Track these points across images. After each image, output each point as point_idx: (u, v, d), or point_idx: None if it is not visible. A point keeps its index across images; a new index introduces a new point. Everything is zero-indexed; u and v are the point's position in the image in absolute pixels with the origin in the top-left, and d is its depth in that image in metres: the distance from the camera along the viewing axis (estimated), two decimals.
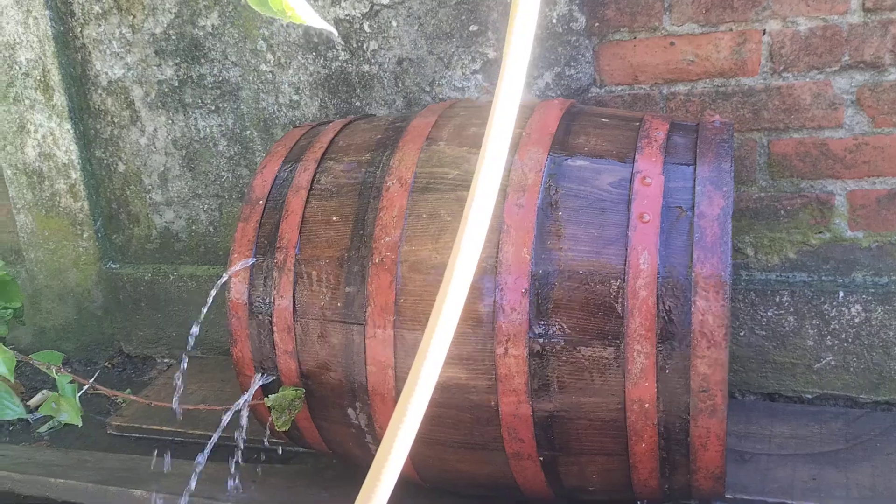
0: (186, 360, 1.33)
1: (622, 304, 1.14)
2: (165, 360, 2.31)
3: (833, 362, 1.72)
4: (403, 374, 1.23)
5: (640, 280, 1.13)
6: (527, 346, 1.16)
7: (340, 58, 1.92)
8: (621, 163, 1.23)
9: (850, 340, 1.69)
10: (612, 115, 1.36)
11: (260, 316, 1.32)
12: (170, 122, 2.12)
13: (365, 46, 1.89)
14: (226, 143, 2.09)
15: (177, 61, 2.05)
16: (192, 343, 1.33)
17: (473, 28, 1.78)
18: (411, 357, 1.22)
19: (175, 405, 1.34)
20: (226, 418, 1.31)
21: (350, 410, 1.30)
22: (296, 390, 1.29)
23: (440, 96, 1.87)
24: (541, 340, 1.16)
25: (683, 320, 1.12)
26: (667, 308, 1.12)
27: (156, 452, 1.70)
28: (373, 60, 1.89)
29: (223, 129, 2.08)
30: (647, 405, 1.14)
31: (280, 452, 1.61)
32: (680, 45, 1.68)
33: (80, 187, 2.22)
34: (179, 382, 1.33)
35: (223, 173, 2.11)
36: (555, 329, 1.16)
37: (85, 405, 2.12)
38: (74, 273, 2.31)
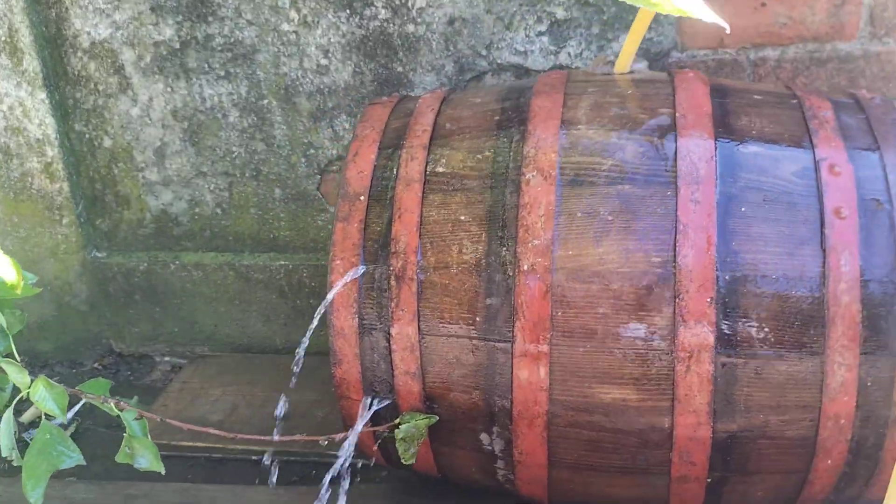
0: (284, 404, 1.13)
1: (822, 311, 1.01)
2: (166, 359, 2.06)
3: None
4: (559, 396, 1.07)
5: (841, 284, 1.00)
6: (713, 363, 1.02)
7: (380, 16, 1.68)
8: (798, 148, 1.09)
9: None
10: (760, 90, 1.22)
11: (374, 333, 1.13)
12: (168, 89, 1.83)
13: (410, 3, 1.66)
14: (238, 114, 1.83)
15: (178, 19, 1.77)
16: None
17: None
18: (570, 379, 1.06)
19: (275, 436, 1.14)
20: (344, 456, 1.12)
21: (484, 435, 1.14)
22: (428, 417, 1.12)
23: (498, 61, 1.67)
24: (728, 355, 1.02)
25: (889, 327, 1.00)
26: (871, 315, 1.00)
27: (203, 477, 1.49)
28: (419, 19, 1.67)
29: (234, 97, 1.81)
30: (842, 421, 1.03)
31: (360, 469, 1.43)
32: (772, 5, 1.55)
33: (59, 166, 1.91)
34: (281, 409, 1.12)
35: (234, 148, 1.86)
36: (744, 342, 1.02)
37: (83, 416, 1.86)
38: (52, 264, 2.01)
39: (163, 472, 1.11)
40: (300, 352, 1.12)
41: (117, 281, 2.00)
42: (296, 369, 1.15)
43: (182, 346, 2.03)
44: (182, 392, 1.83)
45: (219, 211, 1.92)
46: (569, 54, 1.65)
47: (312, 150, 1.82)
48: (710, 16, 0.49)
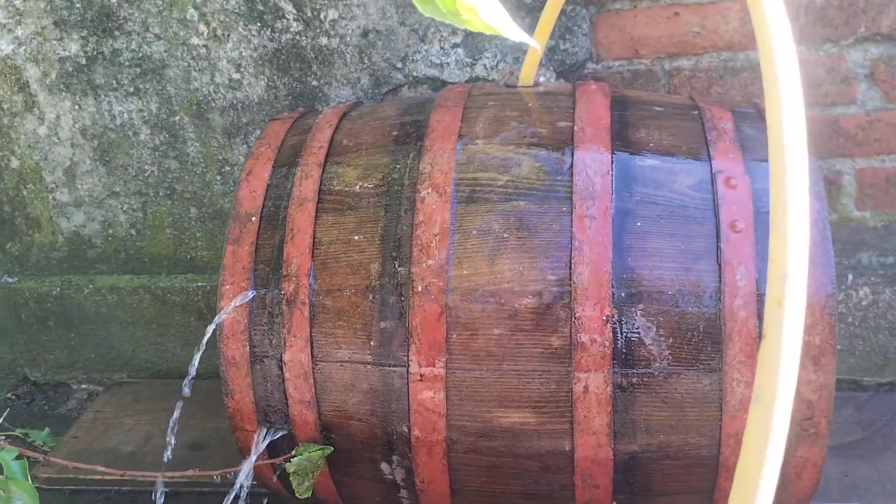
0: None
1: (718, 327, 0.99)
2: (83, 387, 1.98)
3: (839, 346, 1.66)
4: (457, 422, 1.03)
5: (737, 300, 0.98)
6: (610, 383, 0.99)
7: (292, 29, 1.64)
8: (696, 160, 1.07)
9: (856, 324, 1.64)
10: (661, 101, 1.20)
11: (266, 361, 1.08)
12: (76, 107, 1.77)
13: (322, 16, 1.62)
14: (149, 132, 1.77)
15: (83, 34, 1.70)
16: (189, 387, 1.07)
17: None
18: (467, 402, 1.02)
19: (159, 486, 1.08)
20: (234, 492, 1.06)
21: (384, 464, 1.09)
22: (322, 449, 1.07)
23: (414, 73, 1.64)
24: (626, 374, 0.99)
25: None
26: None
27: None
28: (332, 32, 1.63)
29: (145, 114, 1.75)
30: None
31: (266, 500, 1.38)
32: (685, 15, 1.53)
33: None
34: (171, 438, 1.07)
35: (147, 167, 1.80)
36: (643, 361, 0.99)
37: None
38: None
39: None
40: (187, 380, 1.07)
41: (30, 307, 1.92)
42: (186, 393, 1.09)
43: (99, 373, 1.96)
44: (95, 422, 1.75)
45: (133, 232, 1.86)
46: (484, 66, 1.62)
47: (228, 167, 1.77)
48: (518, 35, 0.46)
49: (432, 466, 1.06)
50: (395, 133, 1.16)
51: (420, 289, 1.02)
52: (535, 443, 1.02)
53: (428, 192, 1.06)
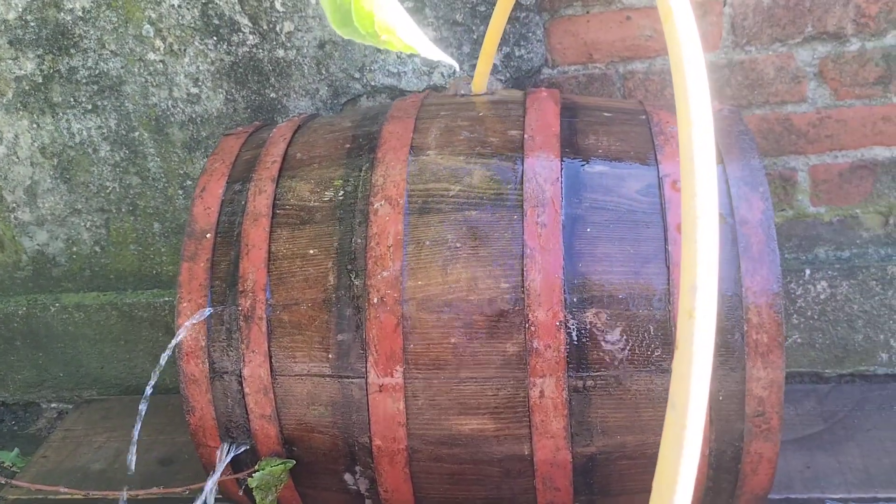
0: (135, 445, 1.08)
1: (669, 329, 1.00)
2: (53, 406, 1.97)
3: (799, 340, 1.69)
4: (418, 430, 1.04)
5: None
6: (566, 387, 1.00)
7: (248, 42, 1.64)
8: (644, 165, 1.08)
9: (815, 317, 1.67)
10: (611, 107, 1.22)
11: (225, 377, 1.08)
12: (34, 126, 1.76)
13: (278, 28, 1.63)
14: (109, 148, 1.76)
15: (39, 53, 1.70)
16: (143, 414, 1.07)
17: (409, 5, 1.57)
18: (427, 412, 1.03)
19: (123, 497, 1.08)
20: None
21: (347, 475, 1.10)
22: (284, 463, 1.07)
23: (373, 83, 1.65)
24: (581, 378, 1.01)
25: (736, 341, 1.00)
26: (718, 329, 1.00)
27: None
28: (288, 44, 1.64)
29: (104, 131, 1.75)
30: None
31: None
32: (637, 18, 1.56)
33: None
34: (132, 463, 1.07)
35: (108, 183, 1.79)
36: (596, 364, 1.01)
37: None
38: None
39: None
40: (143, 399, 1.07)
41: None
42: (142, 412, 1.09)
43: (69, 391, 1.95)
44: (65, 441, 1.75)
45: (97, 249, 1.85)
46: (441, 74, 1.63)
47: (189, 181, 1.77)
48: (437, 54, 0.47)
49: (395, 475, 1.07)
50: (349, 146, 1.16)
51: (376, 300, 1.03)
52: (495, 448, 1.04)
53: (381, 204, 1.07)
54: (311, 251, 1.08)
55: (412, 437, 1.04)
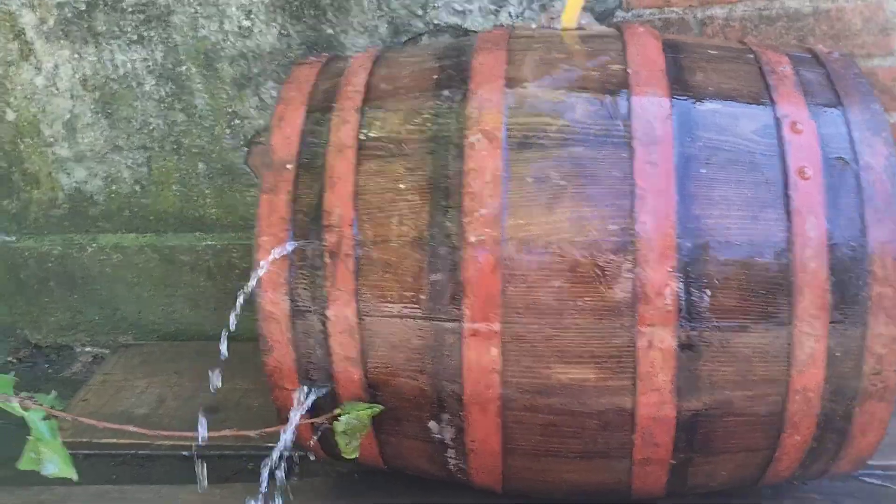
0: None
1: (788, 279, 0.94)
2: (87, 350, 1.91)
3: None
4: (513, 378, 0.99)
5: (808, 250, 0.94)
6: (675, 338, 0.95)
7: None
8: (757, 105, 1.02)
9: None
10: (714, 45, 1.15)
11: (307, 316, 1.02)
12: (76, 56, 1.68)
13: None
14: (154, 82, 1.68)
15: None
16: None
17: None
18: (524, 359, 0.98)
19: (201, 432, 1.03)
20: (279, 451, 1.02)
21: (432, 423, 1.05)
22: (371, 407, 1.02)
23: (435, 21, 1.57)
24: (692, 329, 0.95)
25: (859, 295, 0.94)
26: (840, 282, 0.94)
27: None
28: None
29: (150, 64, 1.67)
30: (811, 394, 0.97)
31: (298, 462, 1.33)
32: None
33: None
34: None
35: (151, 120, 1.71)
36: (709, 315, 0.95)
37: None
38: None
39: (75, 479, 0.99)
40: (224, 339, 1.01)
41: (29, 267, 1.84)
42: (223, 355, 1.03)
43: (104, 336, 1.89)
44: (104, 385, 1.69)
45: (138, 188, 1.78)
46: (509, 14, 1.55)
47: (238, 121, 1.69)
48: None
49: (485, 425, 1.01)
50: (436, 77, 1.09)
51: (473, 239, 0.97)
52: (594, 399, 0.98)
53: (477, 138, 1.00)
54: (402, 185, 1.01)
55: (506, 386, 0.99)
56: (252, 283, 1.01)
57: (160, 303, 1.84)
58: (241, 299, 1.00)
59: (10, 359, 1.90)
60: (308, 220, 1.03)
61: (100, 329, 1.88)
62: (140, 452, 1.51)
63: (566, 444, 1.03)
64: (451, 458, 1.09)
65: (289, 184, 1.04)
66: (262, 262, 1.01)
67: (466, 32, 1.57)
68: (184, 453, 1.53)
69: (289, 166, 1.05)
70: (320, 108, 1.10)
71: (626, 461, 1.03)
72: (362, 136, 1.05)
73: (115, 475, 1.48)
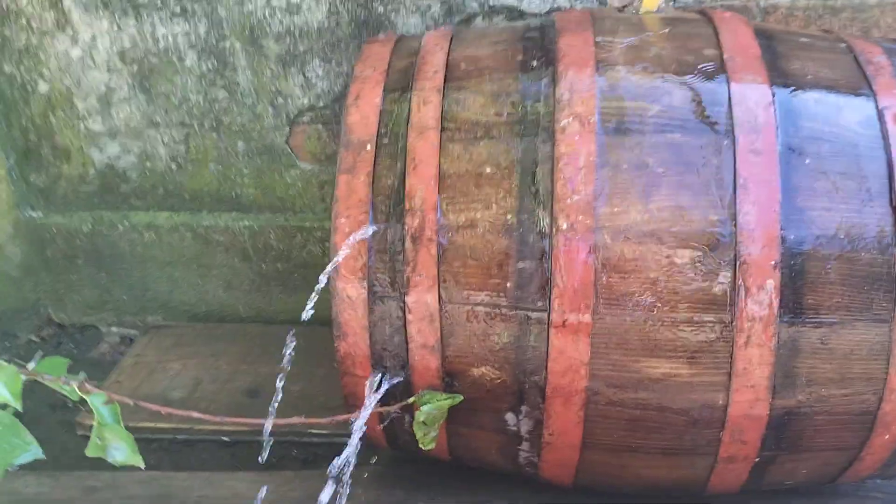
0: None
1: (893, 275, 0.91)
2: (114, 330, 1.86)
3: None
4: (600, 371, 0.95)
5: None
6: (775, 333, 0.92)
7: None
8: (858, 96, 0.98)
9: None
10: (805, 33, 1.11)
11: (386, 302, 0.98)
12: (115, 27, 1.62)
13: None
14: (195, 57, 1.63)
15: None
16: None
17: None
18: (613, 352, 0.94)
19: (269, 420, 0.99)
20: (356, 439, 0.98)
21: (510, 415, 1.02)
22: (452, 397, 0.98)
23: (490, 2, 1.52)
24: (792, 324, 0.92)
25: None
26: None
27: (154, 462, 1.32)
28: None
29: (192, 38, 1.61)
30: None
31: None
32: None
33: None
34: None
35: (191, 96, 1.66)
36: (811, 309, 0.92)
37: (25, 396, 1.66)
38: None
39: (142, 466, 0.95)
40: (305, 318, 0.96)
41: (56, 244, 1.79)
42: (290, 342, 1.00)
43: (132, 316, 1.84)
44: (136, 367, 1.65)
45: (174, 166, 1.73)
46: None
47: (281, 99, 1.64)
48: None
49: (567, 418, 0.98)
50: (520, 58, 1.05)
51: (564, 226, 0.93)
52: (685, 395, 0.95)
53: (568, 122, 0.96)
54: (488, 169, 0.97)
55: (593, 378, 0.96)
56: (330, 267, 0.97)
57: (192, 283, 1.79)
58: (322, 283, 0.95)
59: (32, 337, 1.85)
60: (388, 203, 0.98)
61: (128, 309, 1.83)
62: (178, 437, 1.47)
63: (649, 440, 0.99)
64: (523, 450, 1.05)
65: (368, 164, 1.00)
66: (341, 246, 0.97)
67: (522, 14, 1.53)
68: (223, 438, 1.49)
69: (368, 147, 1.01)
70: (398, 87, 1.06)
71: (710, 458, 1.00)
72: (445, 118, 1.01)
73: (154, 461, 1.44)
